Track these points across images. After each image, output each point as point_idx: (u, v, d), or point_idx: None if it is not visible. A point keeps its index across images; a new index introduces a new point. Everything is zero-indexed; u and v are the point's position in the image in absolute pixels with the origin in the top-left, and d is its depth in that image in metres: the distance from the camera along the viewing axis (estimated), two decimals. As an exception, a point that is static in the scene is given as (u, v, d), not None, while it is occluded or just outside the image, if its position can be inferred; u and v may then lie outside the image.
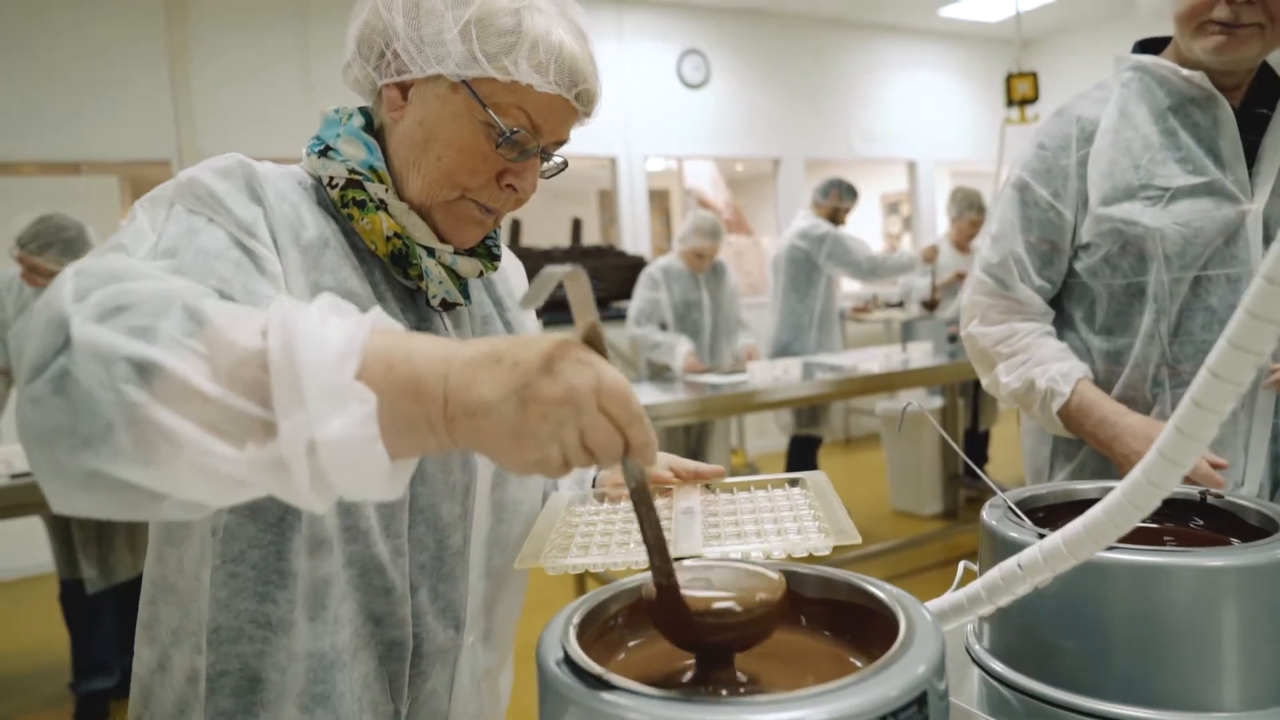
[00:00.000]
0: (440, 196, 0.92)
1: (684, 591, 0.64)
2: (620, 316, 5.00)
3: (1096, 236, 1.40)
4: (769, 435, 6.37)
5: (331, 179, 0.92)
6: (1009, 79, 5.19)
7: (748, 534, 0.80)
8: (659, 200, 9.78)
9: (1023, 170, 1.46)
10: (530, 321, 1.14)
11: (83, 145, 4.64)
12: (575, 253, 6.02)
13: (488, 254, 1.02)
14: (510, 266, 1.14)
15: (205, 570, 0.86)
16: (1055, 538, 0.66)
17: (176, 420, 0.54)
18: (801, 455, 4.75)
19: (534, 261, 5.89)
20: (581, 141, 6.16)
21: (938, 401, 4.85)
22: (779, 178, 7.06)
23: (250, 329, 0.57)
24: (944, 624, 0.76)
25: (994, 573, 0.72)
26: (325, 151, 0.93)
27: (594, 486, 1.07)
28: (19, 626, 4.07)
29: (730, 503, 0.91)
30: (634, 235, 6.48)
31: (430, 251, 0.94)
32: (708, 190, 9.97)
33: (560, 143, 0.95)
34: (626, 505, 0.92)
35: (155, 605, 0.92)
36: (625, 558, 0.75)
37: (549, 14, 0.88)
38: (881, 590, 0.69)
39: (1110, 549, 0.79)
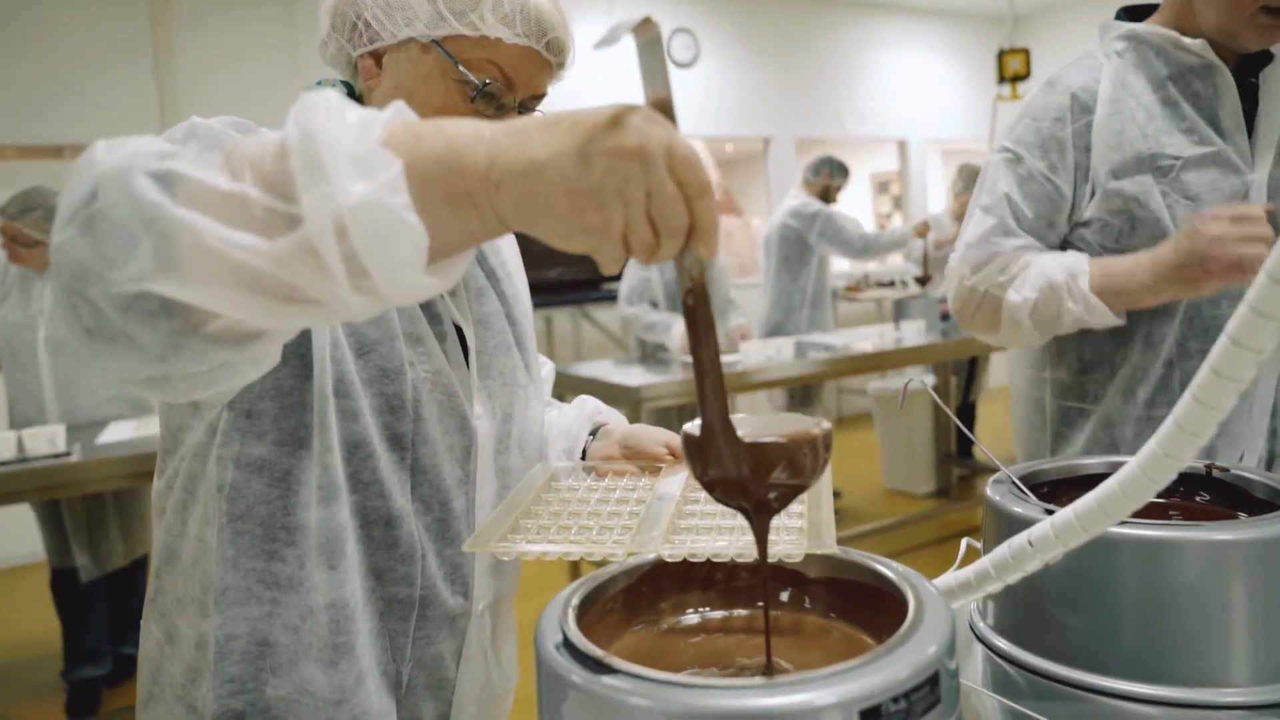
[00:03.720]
0: None
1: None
2: (611, 298, 4.97)
3: (1105, 213, 1.35)
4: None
5: None
6: (1001, 55, 5.16)
7: (720, 528, 0.75)
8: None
9: (1015, 144, 1.41)
10: (524, 291, 1.13)
11: (65, 129, 4.57)
12: (565, 234, 5.98)
13: None
14: (502, 239, 1.14)
15: (210, 531, 0.86)
16: (1067, 512, 0.64)
17: (197, 217, 0.51)
18: (794, 435, 4.75)
19: (522, 243, 5.85)
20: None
21: (931, 380, 4.84)
22: (769, 157, 7.02)
23: (270, 137, 0.54)
24: (951, 602, 0.74)
25: (1003, 549, 0.70)
26: None
27: (584, 459, 1.06)
28: (9, 616, 4.04)
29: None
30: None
31: None
32: (698, 171, 9.93)
33: (538, 97, 0.95)
34: (610, 483, 0.90)
35: (160, 578, 0.92)
36: (590, 548, 0.70)
37: None
38: (889, 569, 0.67)
39: (1117, 524, 0.78)
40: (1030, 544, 0.67)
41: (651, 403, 3.49)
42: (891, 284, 6.86)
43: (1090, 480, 0.93)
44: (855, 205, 9.86)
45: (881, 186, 10.30)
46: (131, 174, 0.52)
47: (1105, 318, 1.31)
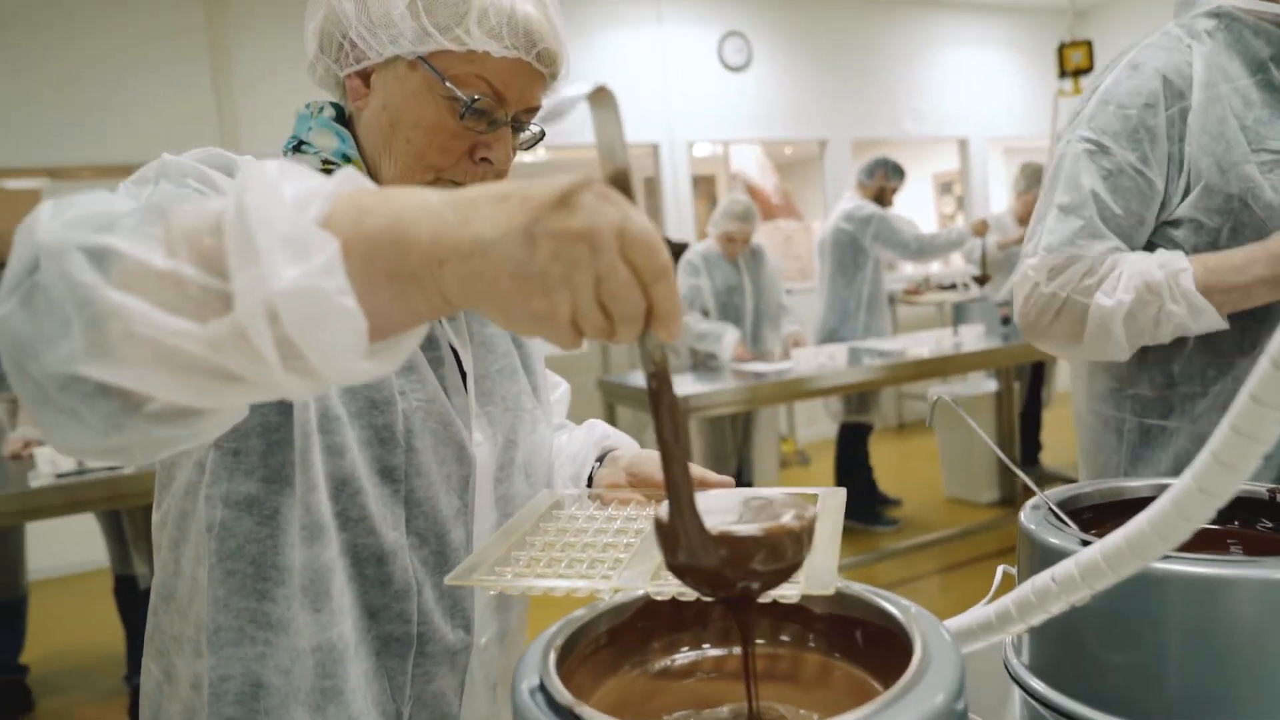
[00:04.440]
0: (414, 180, 0.89)
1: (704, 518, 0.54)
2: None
3: (1201, 212, 1.20)
4: (819, 422, 6.25)
5: None
6: (1061, 49, 4.99)
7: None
8: (705, 186, 9.67)
9: (1098, 133, 1.25)
10: None
11: (135, 146, 4.70)
12: (618, 241, 5.95)
13: None
14: None
15: (202, 570, 0.85)
16: (1093, 551, 0.58)
17: (127, 299, 0.48)
18: (851, 443, 4.65)
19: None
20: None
21: (992, 386, 4.70)
22: (825, 160, 6.91)
23: (213, 207, 0.51)
24: (971, 642, 0.68)
25: (1025, 588, 0.64)
26: (299, 147, 0.92)
27: (590, 486, 1.02)
28: (77, 621, 4.16)
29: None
30: (678, 222, 6.40)
31: None
32: (755, 174, 9.83)
33: (532, 110, 0.92)
34: (612, 512, 0.85)
35: (157, 615, 0.91)
36: (574, 584, 0.65)
37: None
38: (896, 607, 0.62)
39: (1165, 557, 0.71)
40: (1054, 582, 0.60)
41: (701, 412, 3.45)
42: (953, 286, 6.69)
43: (1139, 506, 0.87)
44: (918, 206, 9.67)
45: (944, 187, 10.08)
46: (66, 250, 0.50)
47: (1211, 321, 1.17)
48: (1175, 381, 1.28)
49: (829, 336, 4.55)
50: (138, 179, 0.79)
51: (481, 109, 0.87)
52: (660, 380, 0.52)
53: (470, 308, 0.51)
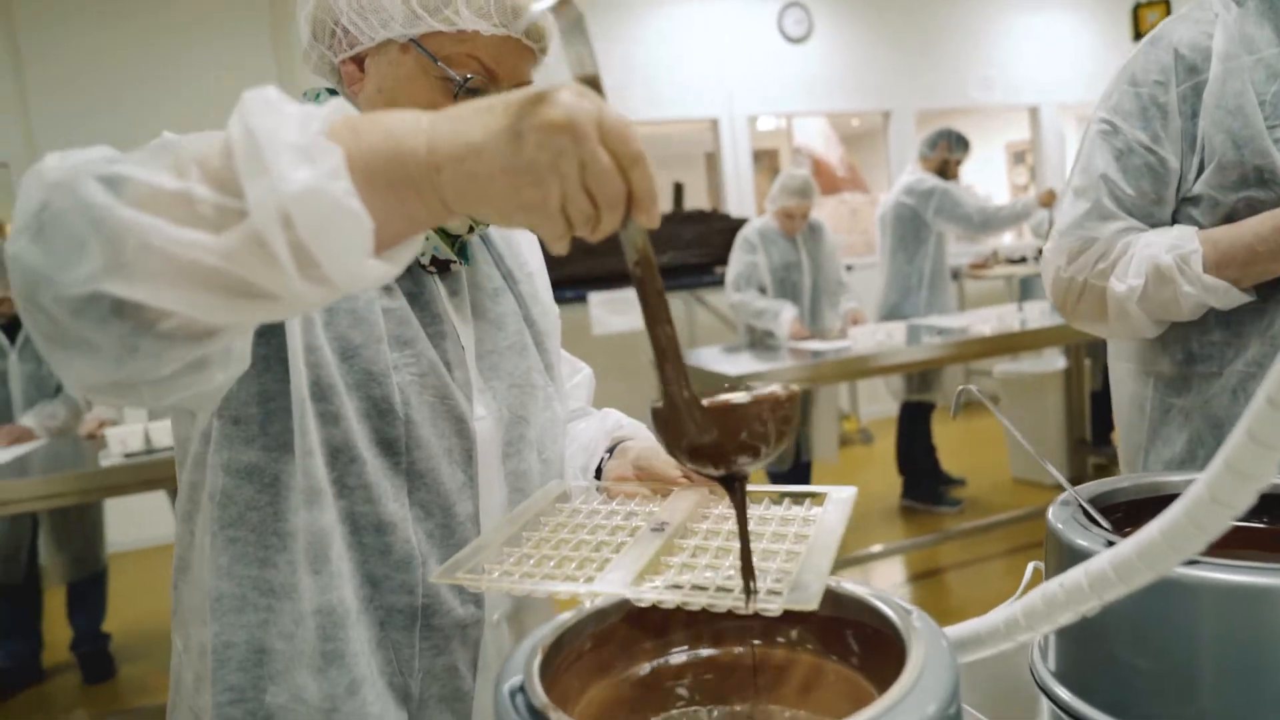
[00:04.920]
0: None
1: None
2: (722, 282, 4.87)
3: (1216, 189, 1.16)
4: (883, 399, 6.14)
5: None
6: (1136, 9, 4.76)
7: (713, 565, 0.66)
8: (768, 160, 9.52)
9: (1110, 112, 1.24)
10: (545, 292, 1.11)
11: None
12: (677, 218, 5.91)
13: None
14: (522, 238, 1.11)
15: (208, 538, 0.87)
16: (1102, 560, 0.54)
17: (144, 216, 0.52)
18: (913, 422, 4.55)
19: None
20: (682, 103, 6.05)
21: (1060, 364, 4.54)
22: (889, 131, 6.74)
23: (216, 135, 0.55)
24: (978, 650, 0.65)
25: (1035, 595, 0.60)
26: None
27: (599, 477, 1.01)
28: (150, 593, 4.32)
29: (721, 520, 0.78)
30: (739, 197, 6.32)
31: None
32: (820, 147, 9.65)
33: (523, 85, 0.92)
34: (616, 506, 0.82)
35: (177, 589, 0.94)
36: (557, 586, 0.63)
37: None
38: (895, 611, 0.59)
39: (1197, 563, 0.66)
40: (1062, 590, 0.57)
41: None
42: (1022, 260, 6.48)
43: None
44: (990, 177, 9.40)
45: (1018, 157, 9.76)
46: (79, 178, 0.53)
47: (1231, 297, 1.15)
48: (1195, 359, 1.25)
49: (890, 313, 4.46)
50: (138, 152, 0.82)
51: (474, 87, 0.88)
52: (645, 267, 0.56)
53: (467, 209, 0.55)
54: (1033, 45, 7.04)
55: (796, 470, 4.19)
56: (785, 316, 3.91)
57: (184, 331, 0.55)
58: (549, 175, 0.51)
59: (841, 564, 3.79)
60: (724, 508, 0.81)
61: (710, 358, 3.86)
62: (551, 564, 0.66)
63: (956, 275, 6.20)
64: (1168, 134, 1.20)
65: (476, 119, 0.53)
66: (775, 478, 4.15)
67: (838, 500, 0.78)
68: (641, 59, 5.98)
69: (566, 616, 0.63)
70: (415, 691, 0.92)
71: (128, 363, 0.56)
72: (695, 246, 5.63)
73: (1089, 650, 0.74)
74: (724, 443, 0.57)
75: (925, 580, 3.85)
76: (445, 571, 0.66)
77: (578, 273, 5.32)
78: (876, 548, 3.94)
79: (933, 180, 4.33)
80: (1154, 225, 1.23)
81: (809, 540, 0.67)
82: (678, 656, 0.66)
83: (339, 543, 0.87)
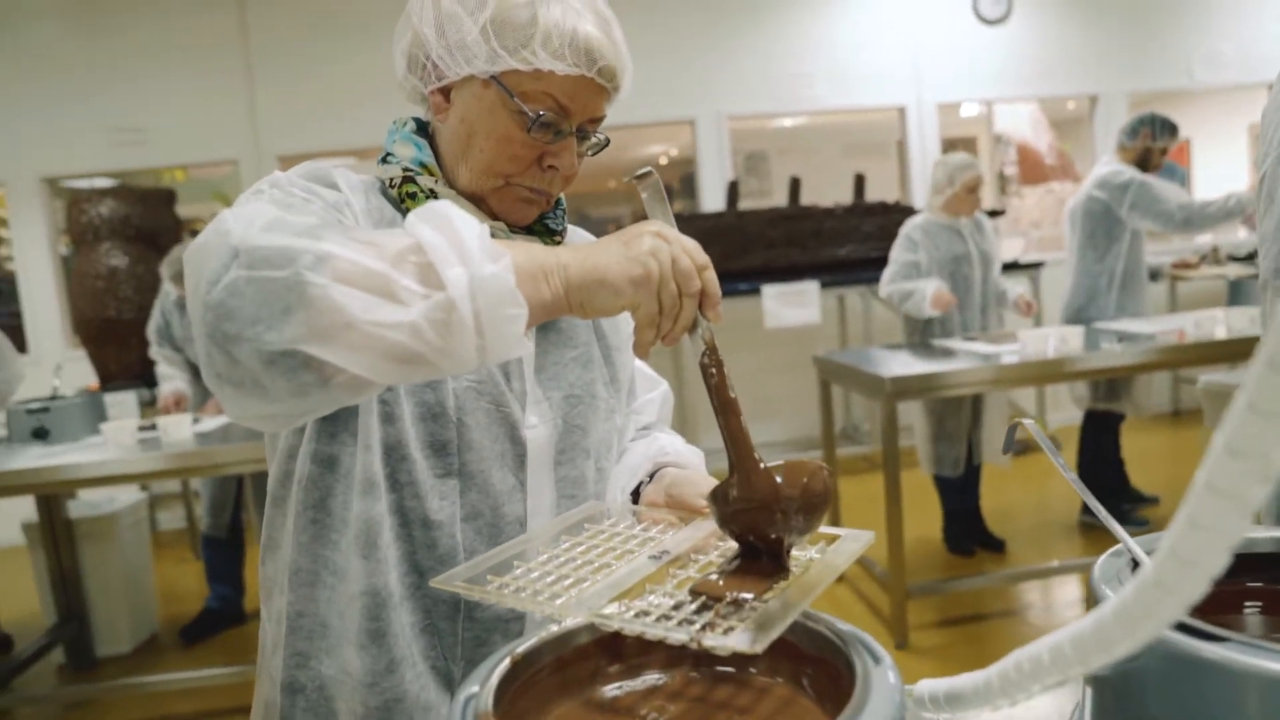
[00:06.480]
0: (487, 185, 0.99)
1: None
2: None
3: None
4: (1065, 405, 5.71)
5: (391, 180, 1.02)
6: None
7: (683, 603, 0.66)
8: (965, 148, 9.02)
9: None
10: (624, 322, 1.15)
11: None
12: (857, 210, 5.75)
13: (545, 231, 1.08)
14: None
15: (293, 520, 0.98)
16: (1061, 636, 0.51)
17: (349, 293, 0.65)
18: (1098, 433, 4.22)
19: (813, 222, 5.72)
20: (867, 91, 5.86)
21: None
22: (1096, 117, 6.24)
23: (392, 237, 0.69)
24: (962, 708, 0.62)
25: (1007, 661, 0.57)
26: (385, 159, 1.03)
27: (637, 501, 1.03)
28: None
29: (725, 552, 0.76)
30: (925, 189, 6.05)
31: None
32: (1028, 133, 9.06)
33: (597, 120, 0.99)
34: (638, 531, 0.84)
35: (265, 566, 1.05)
36: (533, 605, 0.66)
37: (563, 3, 0.93)
38: (842, 640, 0.60)
39: (1234, 645, 0.57)
40: (1046, 656, 0.52)
41: (937, 393, 3.26)
42: (1249, 257, 5.82)
43: (1259, 562, 0.76)
44: (1230, 164, 8.51)
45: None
46: (287, 252, 0.67)
47: None
48: None
49: (1074, 316, 4.14)
50: (254, 190, 0.92)
51: (547, 122, 0.95)
52: (713, 360, 0.76)
53: (583, 295, 0.73)
54: (1273, 13, 6.28)
55: (969, 474, 4.01)
56: (929, 288, 3.71)
57: (350, 384, 0.69)
58: (650, 260, 0.72)
59: (1017, 578, 3.61)
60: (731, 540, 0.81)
61: (860, 357, 3.74)
62: (550, 579, 0.68)
63: (1156, 275, 5.66)
64: None
65: (591, 245, 0.75)
66: (944, 482, 3.98)
67: (850, 542, 0.76)
68: (826, 45, 5.86)
69: (543, 632, 0.67)
70: (458, 676, 0.99)
71: (293, 405, 0.70)
72: (875, 240, 5.45)
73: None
74: (763, 530, 0.70)
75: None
76: (446, 579, 0.72)
77: (752, 265, 5.31)
78: (1054, 563, 3.70)
79: (1130, 172, 3.97)
80: None
81: (802, 578, 0.67)
82: (645, 678, 0.68)
83: (388, 533, 0.95)
